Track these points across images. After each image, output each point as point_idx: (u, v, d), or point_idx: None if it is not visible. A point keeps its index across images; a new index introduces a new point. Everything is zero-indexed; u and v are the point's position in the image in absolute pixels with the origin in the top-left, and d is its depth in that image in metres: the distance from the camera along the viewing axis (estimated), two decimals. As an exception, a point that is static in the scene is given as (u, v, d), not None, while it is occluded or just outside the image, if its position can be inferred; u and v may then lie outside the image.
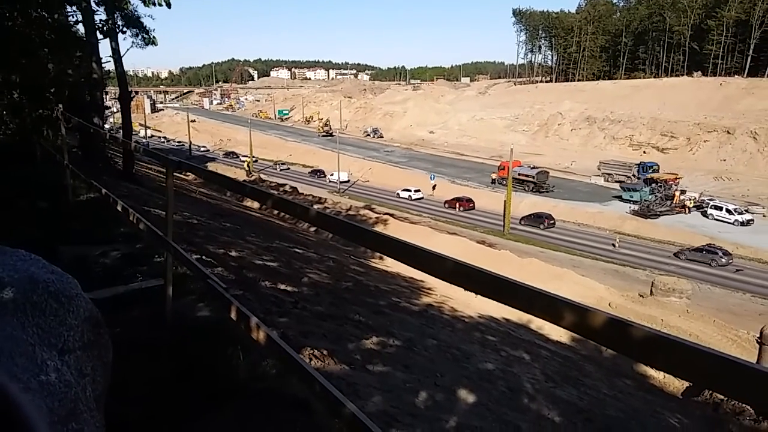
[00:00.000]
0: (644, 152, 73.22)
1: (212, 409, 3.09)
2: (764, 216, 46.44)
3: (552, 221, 46.16)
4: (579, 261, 38.00)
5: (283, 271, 7.08)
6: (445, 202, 52.66)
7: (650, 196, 49.05)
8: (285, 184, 49.37)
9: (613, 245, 41.42)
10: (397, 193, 57.45)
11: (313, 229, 19.00)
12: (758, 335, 16.59)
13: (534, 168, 58.59)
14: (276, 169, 74.68)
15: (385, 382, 4.16)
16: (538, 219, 46.43)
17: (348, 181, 64.69)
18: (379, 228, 32.66)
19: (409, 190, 56.77)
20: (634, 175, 55.76)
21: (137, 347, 3.47)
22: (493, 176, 60.83)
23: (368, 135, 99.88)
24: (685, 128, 71.35)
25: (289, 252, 9.72)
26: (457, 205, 51.57)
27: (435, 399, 4.27)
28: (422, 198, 55.98)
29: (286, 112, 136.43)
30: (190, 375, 3.35)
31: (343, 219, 2.28)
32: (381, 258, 13.51)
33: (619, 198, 52.43)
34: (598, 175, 62.57)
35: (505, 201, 47.11)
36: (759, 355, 15.65)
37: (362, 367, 4.29)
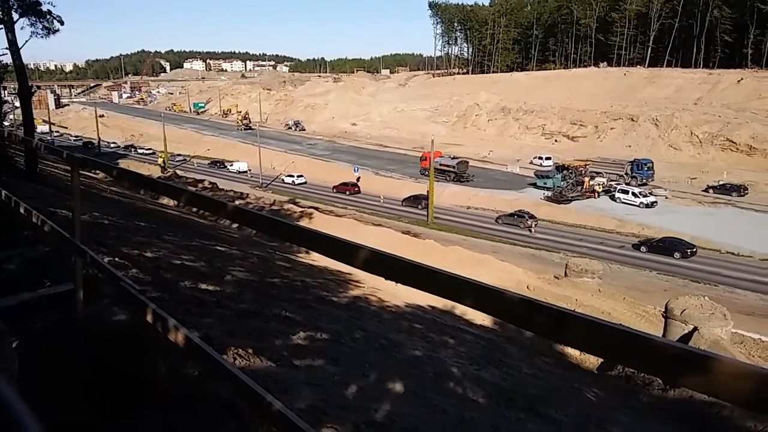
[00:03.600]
0: (555, 140, 76.60)
1: (132, 417, 2.96)
2: (666, 198, 49.86)
3: (426, 201, 48.58)
4: (498, 247, 39.26)
5: (204, 270, 6.89)
6: (333, 187, 57.04)
7: (562, 183, 51.32)
8: (203, 180, 47.88)
9: (530, 230, 43.15)
10: (282, 179, 61.04)
11: (235, 225, 18.57)
12: (664, 310, 17.84)
13: (454, 158, 59.90)
14: (194, 164, 72.49)
15: (313, 376, 4.14)
16: (416, 200, 50.31)
17: (248, 171, 66.49)
18: (303, 222, 32.37)
19: (292, 176, 61.30)
20: (627, 173, 53.83)
21: (47, 357, 3.28)
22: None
23: (290, 128, 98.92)
24: (593, 117, 75.23)
25: (210, 250, 9.46)
26: (346, 191, 56.07)
27: (364, 390, 4.30)
28: (305, 183, 60.58)
29: (202, 105, 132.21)
30: (106, 383, 3.19)
31: (264, 214, 2.24)
32: (307, 252, 13.42)
33: (534, 185, 54.56)
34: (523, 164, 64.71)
35: (427, 191, 47.94)
36: (665, 328, 16.84)
37: (289, 363, 4.25)
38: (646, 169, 54.00)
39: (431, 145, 48.76)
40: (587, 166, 53.71)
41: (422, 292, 1.61)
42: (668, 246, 37.09)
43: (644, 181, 53.19)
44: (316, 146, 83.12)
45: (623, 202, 48.07)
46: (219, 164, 71.49)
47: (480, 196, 52.20)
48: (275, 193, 55.66)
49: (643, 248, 37.79)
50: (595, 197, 50.32)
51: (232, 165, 69.43)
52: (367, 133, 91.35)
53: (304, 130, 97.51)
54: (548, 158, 65.16)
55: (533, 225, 42.86)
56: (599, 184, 51.38)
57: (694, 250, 36.76)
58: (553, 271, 29.81)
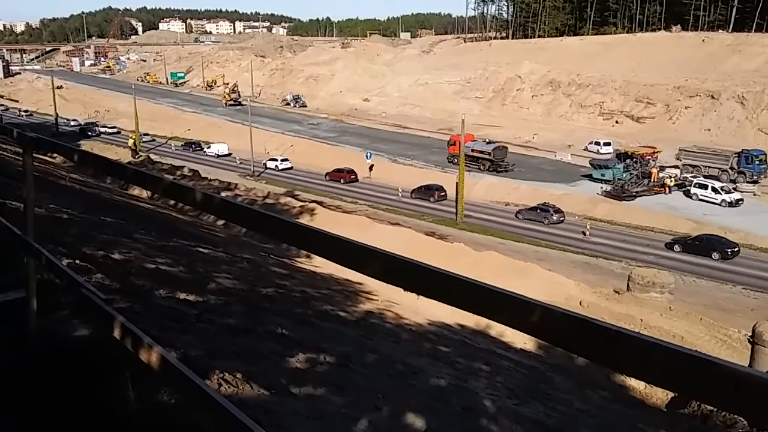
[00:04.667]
0: (616, 122, 76.13)
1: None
2: (755, 195, 49.13)
3: (443, 193, 51.08)
4: (545, 253, 39.20)
5: (183, 277, 6.95)
6: (326, 174, 58.96)
7: (624, 175, 51.11)
8: (182, 167, 48.30)
9: (584, 233, 42.95)
10: (264, 164, 63.10)
11: (221, 222, 18.72)
12: (750, 334, 17.63)
13: (490, 143, 59.93)
14: (171, 147, 73.23)
15: (315, 407, 4.17)
16: (428, 191, 51.78)
17: (229, 154, 68.33)
18: (304, 219, 32.55)
19: (276, 160, 63.45)
20: (732, 168, 52.03)
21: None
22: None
23: (288, 104, 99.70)
24: (664, 93, 74.60)
25: (191, 252, 9.55)
26: (340, 178, 57.88)
27: (376, 425, 4.31)
28: (291, 168, 62.75)
29: (182, 75, 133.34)
30: (62, 411, 3.24)
31: (257, 209, 2.25)
32: (308, 257, 13.50)
33: (589, 177, 54.42)
34: (578, 152, 64.55)
35: (457, 183, 47.98)
36: (751, 357, 16.66)
37: (286, 390, 4.28)
38: (757, 162, 51.44)
39: (461, 126, 48.77)
40: (655, 155, 53.38)
41: (449, 306, 1.61)
42: (706, 245, 38.00)
43: (755, 177, 51.21)
44: (319, 126, 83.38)
45: (701, 199, 47.66)
46: (194, 146, 72.48)
47: (521, 189, 52.09)
48: (270, 184, 55.94)
49: (676, 247, 38.86)
50: (665, 192, 50.04)
51: (209, 147, 70.54)
52: (383, 110, 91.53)
53: (305, 106, 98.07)
54: (607, 144, 64.86)
55: (558, 219, 44.81)
56: (671, 177, 51.02)
57: (736, 249, 37.63)
58: (613, 284, 29.63)
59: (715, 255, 37.41)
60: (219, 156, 68.53)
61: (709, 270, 36.11)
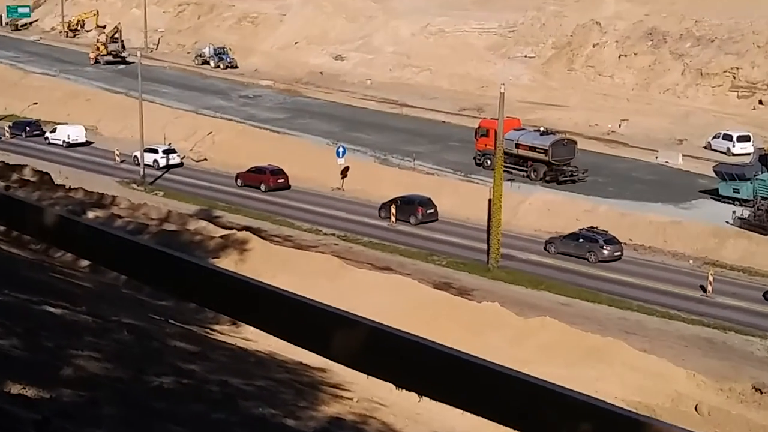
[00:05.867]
0: (760, 102, 76.41)
1: None
2: None
3: (431, 210, 52.93)
4: (638, 321, 39.20)
5: (17, 356, 6.89)
6: (237, 176, 61.27)
7: (774, 191, 51.51)
8: (24, 166, 48.05)
9: (703, 289, 43.00)
10: (135, 158, 64.52)
11: (85, 263, 18.66)
12: None
13: (547, 133, 60.37)
14: (4, 134, 72.85)
15: None
16: (407, 206, 53.53)
17: (87, 143, 69.82)
18: (230, 259, 32.33)
19: (155, 151, 64.96)
20: None
21: None
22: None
23: (206, 62, 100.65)
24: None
25: (33, 313, 9.48)
26: (259, 183, 59.96)
27: None
28: (181, 164, 65.14)
29: (26, 11, 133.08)
30: None
31: (147, 242, 2.24)
32: (234, 323, 13.46)
33: (714, 193, 54.78)
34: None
35: (490, 200, 48.14)
36: None
37: None
38: None
39: (499, 104, 48.79)
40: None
41: (471, 414, 1.60)
42: None
43: None
44: (259, 101, 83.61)
45: None
46: (29, 129, 73.14)
47: (600, 211, 52.31)
48: (171, 197, 55.79)
49: None
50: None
51: (54, 131, 71.21)
52: (366, 76, 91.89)
53: (236, 67, 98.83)
54: (744, 138, 65.14)
55: (612, 255, 46.89)
56: None
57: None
58: (751, 375, 29.61)
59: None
60: (69, 145, 69.06)
61: None
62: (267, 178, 59.96)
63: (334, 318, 1.76)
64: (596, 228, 48.43)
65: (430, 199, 54.03)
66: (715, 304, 41.75)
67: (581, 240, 47.56)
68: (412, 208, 53.41)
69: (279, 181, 60.07)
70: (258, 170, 60.63)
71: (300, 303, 1.82)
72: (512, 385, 1.53)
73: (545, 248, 48.66)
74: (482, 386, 1.56)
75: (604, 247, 46.97)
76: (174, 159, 64.85)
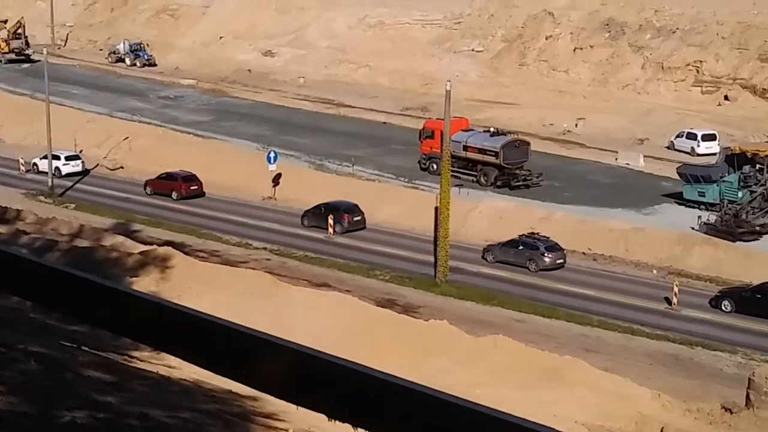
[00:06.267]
0: (726, 98, 77.30)
1: None
2: None
3: (358, 217, 53.72)
4: (599, 337, 39.45)
5: None
6: (146, 183, 61.44)
7: (740, 194, 52.01)
8: None
9: (668, 302, 43.40)
10: (34, 165, 64.83)
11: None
12: None
13: (497, 134, 60.49)
14: None
15: None
16: (333, 214, 53.92)
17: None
18: (150, 277, 32.03)
19: (57, 158, 63.67)
20: None
21: None
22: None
23: (121, 60, 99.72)
24: (809, 46, 76.18)
25: None
26: (171, 190, 60.05)
27: None
28: (85, 172, 64.45)
29: None
30: None
31: (53, 264, 2.21)
32: (156, 351, 13.30)
33: (678, 197, 55.35)
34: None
35: (437, 208, 48.25)
36: None
37: None
38: None
39: (445, 102, 48.90)
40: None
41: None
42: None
43: None
44: (181, 102, 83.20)
45: None
46: None
47: (556, 219, 52.65)
48: (84, 210, 55.25)
49: (725, 303, 42.95)
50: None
51: None
52: (299, 73, 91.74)
53: (154, 65, 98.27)
54: (709, 137, 65.90)
55: (554, 262, 47.61)
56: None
57: None
58: (720, 394, 29.89)
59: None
60: None
61: None
62: (179, 185, 59.91)
63: (258, 343, 1.75)
64: (537, 234, 48.91)
65: (356, 205, 54.34)
66: (680, 317, 42.19)
67: (521, 247, 48.08)
68: (337, 215, 53.66)
69: (192, 188, 60.05)
70: (169, 177, 60.45)
71: (223, 327, 1.80)
72: (457, 415, 1.53)
73: (483, 257, 49.11)
74: (423, 416, 1.56)
75: (546, 254, 47.54)
76: (77, 166, 64.16)
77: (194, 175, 60.30)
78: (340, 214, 53.50)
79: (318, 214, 54.25)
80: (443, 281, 45.74)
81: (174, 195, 59.37)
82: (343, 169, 62.89)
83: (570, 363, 29.41)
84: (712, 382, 33.57)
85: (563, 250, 47.94)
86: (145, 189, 60.59)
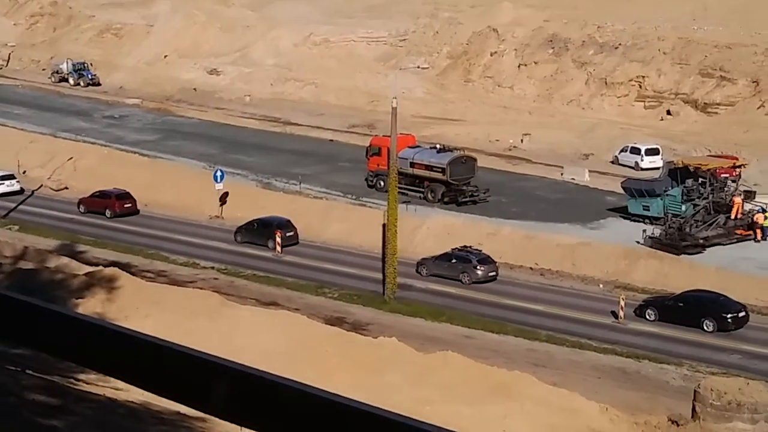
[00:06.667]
0: (668, 113, 78.00)
1: None
2: None
3: (291, 232, 54.11)
4: (547, 352, 39.58)
5: None
6: (80, 202, 61.39)
7: (684, 207, 52.36)
8: None
9: (615, 315, 43.60)
10: None
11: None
12: None
13: (444, 150, 60.61)
14: None
15: None
16: (263, 230, 54.57)
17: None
18: (96, 299, 31.74)
19: None
20: None
21: None
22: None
23: (64, 79, 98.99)
24: (751, 60, 76.95)
25: None
26: (105, 208, 59.98)
27: None
28: (20, 191, 64.17)
29: None
30: None
31: None
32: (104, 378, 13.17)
33: (623, 211, 55.63)
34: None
35: (385, 225, 48.25)
36: None
37: None
38: None
39: (392, 119, 48.88)
40: (737, 171, 54.61)
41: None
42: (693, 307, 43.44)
43: None
44: (126, 122, 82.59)
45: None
46: None
47: (503, 235, 52.78)
48: (27, 231, 54.74)
49: (648, 312, 44.19)
50: (756, 239, 51.44)
51: None
52: (245, 91, 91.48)
53: (99, 84, 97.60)
54: (653, 152, 66.44)
55: (487, 275, 48.52)
56: (765, 210, 52.29)
57: (742, 314, 43.04)
58: (667, 406, 30.06)
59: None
60: None
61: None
62: (112, 203, 59.87)
63: (204, 365, 1.74)
64: (470, 247, 49.49)
65: (289, 221, 54.64)
66: (627, 331, 42.38)
67: (454, 260, 48.55)
68: (269, 231, 53.90)
69: (126, 206, 60.02)
70: (102, 195, 60.40)
71: (169, 350, 1.79)
72: (380, 424, 1.53)
73: (417, 270, 49.51)
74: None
75: (478, 267, 48.07)
76: (13, 186, 63.55)
77: (128, 193, 60.39)
78: (272, 230, 53.81)
79: (251, 230, 54.70)
80: (392, 298, 45.68)
81: (108, 213, 59.47)
82: (290, 188, 62.67)
83: (519, 378, 29.48)
84: (658, 395, 33.78)
85: (495, 262, 48.50)
86: (78, 207, 60.54)
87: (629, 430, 26.92)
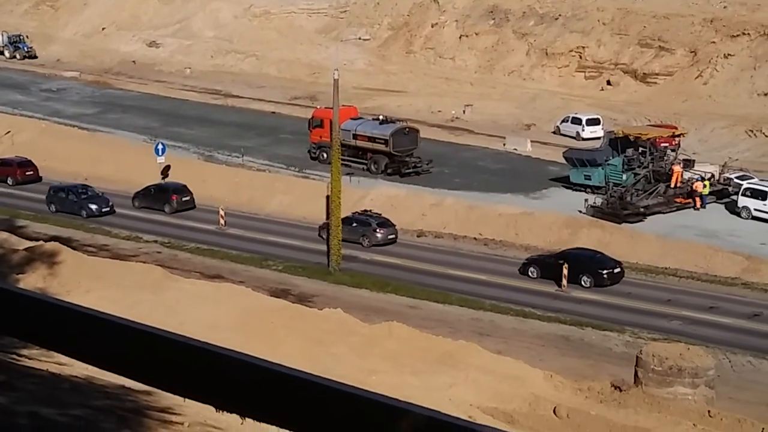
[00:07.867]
0: (608, 83, 78.53)
1: None
2: None
3: (187, 197, 55.49)
4: (491, 321, 39.75)
5: None
6: None
7: (624, 176, 52.86)
8: None
9: (558, 284, 43.98)
10: None
11: None
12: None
13: (386, 122, 60.65)
14: None
15: None
16: (159, 195, 55.90)
17: None
18: (37, 273, 31.45)
19: None
20: None
21: None
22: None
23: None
24: (688, 30, 77.69)
25: None
26: (6, 177, 60.81)
27: None
28: None
29: None
30: None
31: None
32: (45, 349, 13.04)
33: (565, 181, 56.19)
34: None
35: (328, 197, 48.21)
36: None
37: None
38: None
39: (334, 91, 48.72)
40: (677, 140, 55.19)
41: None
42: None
43: None
44: (64, 94, 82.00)
45: (757, 217, 49.85)
46: None
47: (447, 205, 52.93)
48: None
49: (531, 270, 46.00)
50: (695, 207, 52.08)
51: None
52: (185, 63, 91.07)
53: (35, 57, 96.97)
54: (593, 122, 66.94)
55: (386, 237, 50.11)
56: (703, 179, 52.88)
57: (617, 270, 44.84)
58: (610, 373, 30.32)
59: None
60: None
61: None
62: (14, 171, 60.54)
63: (149, 337, 1.73)
64: (370, 211, 50.85)
65: (185, 186, 55.51)
66: (570, 299, 42.74)
67: (355, 224, 49.32)
68: (166, 196, 54.90)
69: (28, 173, 60.64)
70: (4, 163, 60.97)
71: (112, 323, 1.78)
72: (343, 401, 1.52)
73: (319, 234, 50.74)
74: (314, 405, 1.55)
75: (378, 230, 49.43)
76: None
77: (30, 161, 61.02)
78: (169, 195, 54.92)
79: (148, 195, 55.57)
80: (336, 270, 45.76)
81: (9, 181, 60.24)
82: (232, 160, 62.53)
83: (464, 347, 29.58)
84: (601, 361, 34.10)
85: (395, 226, 49.85)
86: None
87: (573, 396, 27.14)
